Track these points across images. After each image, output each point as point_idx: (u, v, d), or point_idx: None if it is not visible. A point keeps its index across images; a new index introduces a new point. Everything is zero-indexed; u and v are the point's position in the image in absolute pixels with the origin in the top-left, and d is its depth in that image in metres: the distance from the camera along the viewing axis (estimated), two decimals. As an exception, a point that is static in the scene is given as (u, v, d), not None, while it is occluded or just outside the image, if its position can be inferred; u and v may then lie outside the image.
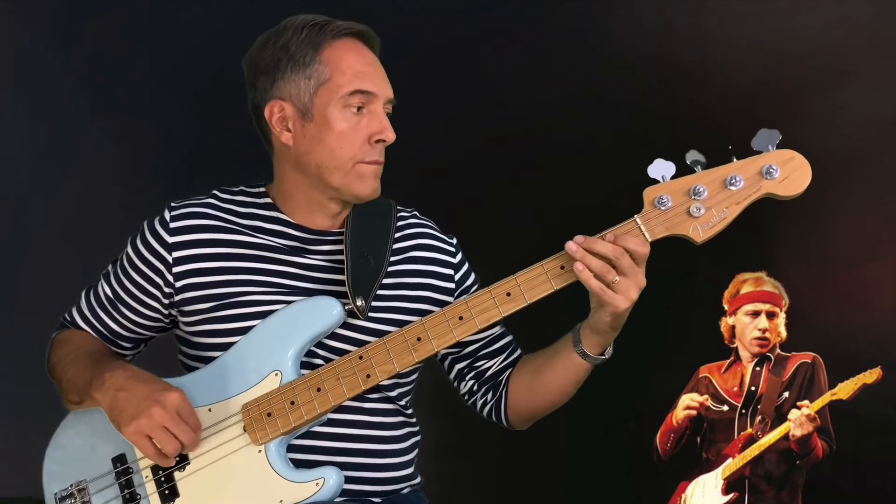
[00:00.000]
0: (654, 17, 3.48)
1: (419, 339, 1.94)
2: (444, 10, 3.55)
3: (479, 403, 2.20)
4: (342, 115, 2.00)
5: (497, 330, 2.17)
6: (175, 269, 2.03)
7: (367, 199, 2.05)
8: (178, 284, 2.03)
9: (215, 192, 2.12)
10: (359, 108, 2.00)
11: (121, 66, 3.62)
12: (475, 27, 3.57)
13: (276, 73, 2.04)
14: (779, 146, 1.87)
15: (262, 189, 2.13)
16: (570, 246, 1.86)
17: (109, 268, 2.14)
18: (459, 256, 2.19)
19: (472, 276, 2.20)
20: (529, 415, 2.16)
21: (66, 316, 2.19)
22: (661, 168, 1.89)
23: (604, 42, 3.51)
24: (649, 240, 1.88)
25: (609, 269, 1.84)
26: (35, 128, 3.66)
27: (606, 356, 2.00)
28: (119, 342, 2.15)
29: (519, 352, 2.19)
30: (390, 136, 2.01)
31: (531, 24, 3.58)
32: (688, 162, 1.88)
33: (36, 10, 3.66)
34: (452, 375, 2.20)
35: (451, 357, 2.17)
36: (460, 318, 1.93)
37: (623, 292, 1.85)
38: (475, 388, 2.19)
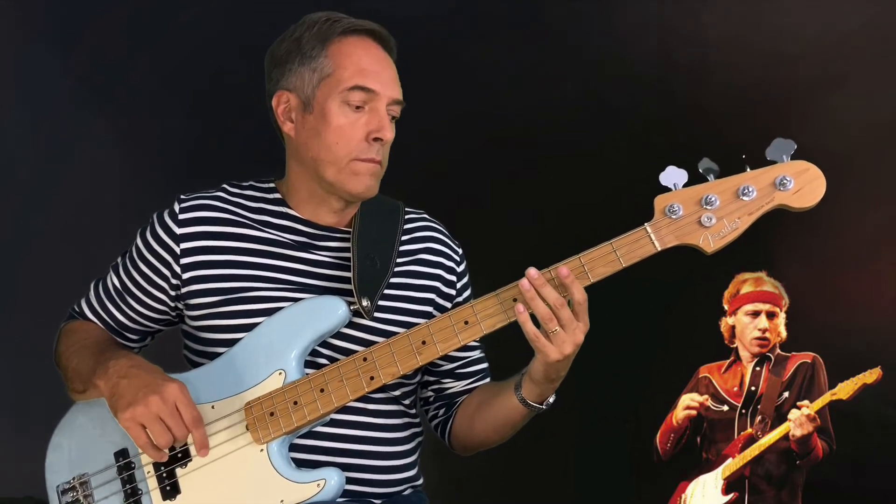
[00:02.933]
0: (654, 18, 3.49)
1: (424, 342, 1.93)
2: (444, 10, 3.55)
3: (430, 415, 2.20)
4: (340, 109, 1.99)
5: (476, 354, 2.17)
6: (183, 261, 2.03)
7: (360, 197, 2.04)
8: (185, 276, 2.03)
9: (225, 185, 2.12)
10: (359, 106, 1.99)
11: (121, 66, 3.62)
12: (475, 27, 3.58)
13: (287, 64, 2.05)
14: (793, 156, 1.84)
15: (272, 184, 2.13)
16: (524, 284, 1.84)
17: (118, 259, 2.14)
18: (463, 266, 2.19)
19: (468, 292, 2.19)
20: (466, 443, 2.15)
21: (75, 307, 2.19)
22: (673, 175, 1.86)
23: (604, 42, 3.52)
24: (659, 248, 1.86)
25: (552, 317, 1.83)
26: (35, 128, 3.67)
27: (545, 406, 1.97)
28: (126, 334, 2.15)
29: (486, 380, 2.18)
30: (388, 135, 1.99)
31: (531, 25, 3.58)
32: (700, 170, 1.85)
33: (36, 10, 3.66)
34: (417, 379, 2.18)
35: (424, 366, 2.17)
36: (466, 322, 1.91)
37: (558, 345, 1.83)
38: (431, 399, 2.19)
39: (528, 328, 1.84)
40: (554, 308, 1.82)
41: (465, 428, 2.13)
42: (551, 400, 1.98)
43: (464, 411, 2.14)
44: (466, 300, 2.15)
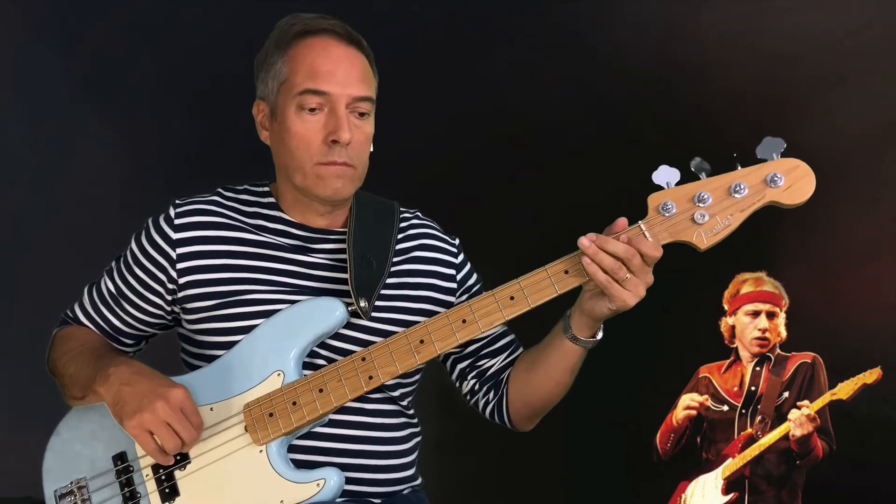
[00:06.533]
0: (654, 18, 3.49)
1: (422, 341, 1.94)
2: (444, 9, 3.55)
3: (482, 403, 2.18)
4: (297, 115, 1.99)
5: (499, 329, 2.15)
6: (179, 266, 2.03)
7: (330, 200, 2.03)
8: (182, 281, 2.03)
9: (220, 190, 2.12)
10: (313, 109, 1.98)
11: (121, 67, 3.62)
12: (475, 27, 3.57)
13: (260, 73, 2.07)
14: (783, 154, 1.87)
15: (267, 188, 2.13)
16: (584, 241, 1.85)
17: (113, 264, 2.15)
18: (461, 257, 2.19)
19: (475, 277, 2.20)
20: (529, 412, 2.14)
21: (68, 312, 2.20)
22: (665, 174, 1.89)
23: (604, 42, 3.51)
24: None
25: (620, 266, 1.84)
26: (35, 128, 3.67)
27: (598, 338, 1.99)
28: (120, 338, 2.15)
29: (521, 350, 2.17)
30: (344, 136, 1.96)
31: (531, 24, 3.58)
32: (692, 168, 1.88)
33: (36, 10, 3.66)
34: (454, 376, 2.19)
35: (452, 357, 2.17)
36: (463, 320, 1.93)
37: (633, 289, 1.86)
38: (476, 387, 2.17)
39: (600, 276, 1.85)
40: (624, 258, 1.83)
41: (523, 395, 2.11)
42: (601, 334, 1.99)
43: (516, 379, 2.12)
44: (476, 284, 2.17)
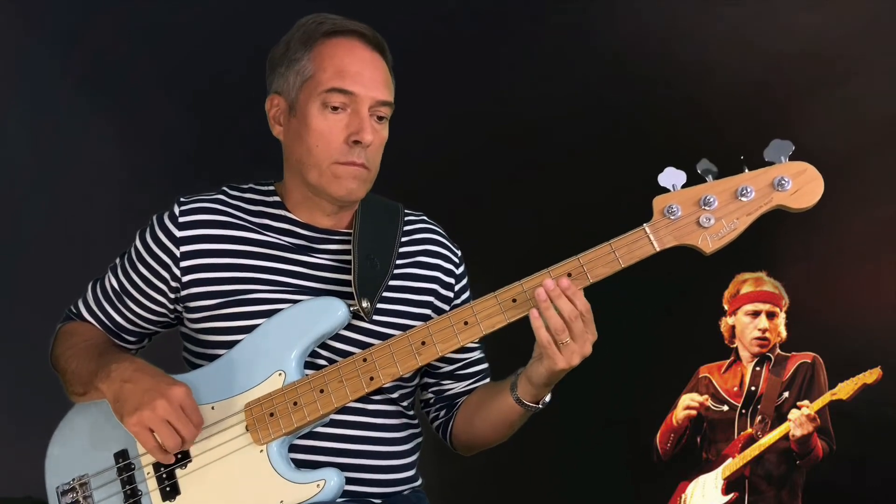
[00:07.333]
0: (655, 17, 3.49)
1: (423, 343, 1.94)
2: (444, 9, 3.55)
3: (431, 417, 2.21)
4: (320, 112, 1.99)
5: (476, 355, 2.18)
6: (182, 264, 2.03)
7: (343, 200, 2.03)
8: (185, 279, 2.03)
9: (225, 188, 2.12)
10: (337, 108, 1.98)
11: (121, 67, 3.62)
12: (476, 27, 3.58)
13: (278, 68, 2.06)
14: (791, 157, 1.85)
15: (272, 187, 2.13)
16: (540, 294, 1.84)
17: (117, 261, 2.15)
18: (462, 269, 2.19)
19: (467, 294, 2.19)
20: (467, 443, 2.17)
21: (72, 308, 2.19)
22: (671, 177, 1.88)
23: (604, 41, 3.52)
24: (657, 249, 1.87)
25: (565, 329, 1.84)
26: (35, 128, 3.67)
27: (541, 406, 1.99)
28: (123, 335, 2.15)
29: (486, 381, 2.19)
30: (367, 137, 1.97)
31: (531, 24, 3.58)
32: (699, 171, 1.87)
33: (36, 9, 3.66)
34: (420, 383, 2.20)
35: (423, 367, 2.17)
36: (465, 322, 1.92)
37: (567, 355, 1.85)
38: (432, 401, 2.20)
39: (542, 335, 1.85)
40: (568, 320, 1.83)
41: (465, 429, 2.14)
42: (547, 399, 1.99)
43: (463, 412, 2.15)
44: (465, 303, 2.15)
